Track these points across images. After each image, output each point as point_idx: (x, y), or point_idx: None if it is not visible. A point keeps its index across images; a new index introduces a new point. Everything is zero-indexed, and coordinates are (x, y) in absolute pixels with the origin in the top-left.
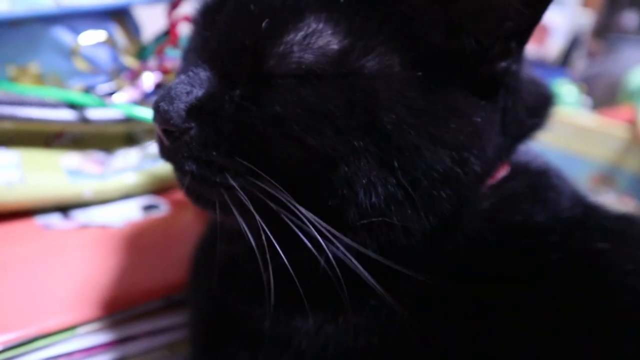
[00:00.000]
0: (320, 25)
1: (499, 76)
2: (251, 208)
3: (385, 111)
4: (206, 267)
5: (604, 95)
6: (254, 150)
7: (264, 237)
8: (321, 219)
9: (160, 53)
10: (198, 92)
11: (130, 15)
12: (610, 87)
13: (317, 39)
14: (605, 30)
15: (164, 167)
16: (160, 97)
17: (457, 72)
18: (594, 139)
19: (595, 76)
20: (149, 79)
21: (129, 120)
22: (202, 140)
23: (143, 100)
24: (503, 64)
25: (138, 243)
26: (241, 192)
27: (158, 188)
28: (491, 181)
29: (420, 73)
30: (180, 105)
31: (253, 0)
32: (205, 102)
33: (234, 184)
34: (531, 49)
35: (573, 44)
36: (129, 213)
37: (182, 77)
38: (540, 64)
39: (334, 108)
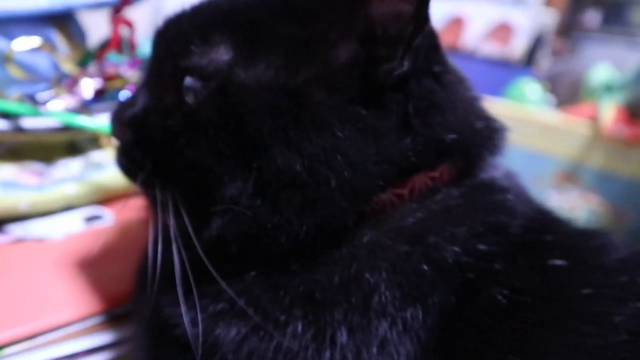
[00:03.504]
0: (221, 40)
1: (386, 81)
2: (158, 202)
3: (249, 118)
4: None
5: (567, 93)
6: (154, 153)
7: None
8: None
9: (100, 58)
10: (136, 109)
11: (75, 21)
12: (573, 85)
13: (215, 52)
14: (569, 29)
15: (109, 176)
16: (113, 113)
17: (330, 85)
18: (558, 136)
19: (558, 74)
20: (88, 86)
21: (68, 128)
22: (132, 143)
23: (82, 107)
24: (390, 67)
25: (78, 255)
26: (146, 187)
27: (103, 198)
28: (406, 192)
29: (294, 87)
30: (123, 119)
31: (174, 27)
32: (138, 117)
33: (141, 178)
34: (495, 49)
35: (537, 43)
36: (69, 225)
37: (131, 97)
38: (505, 63)
39: (209, 118)
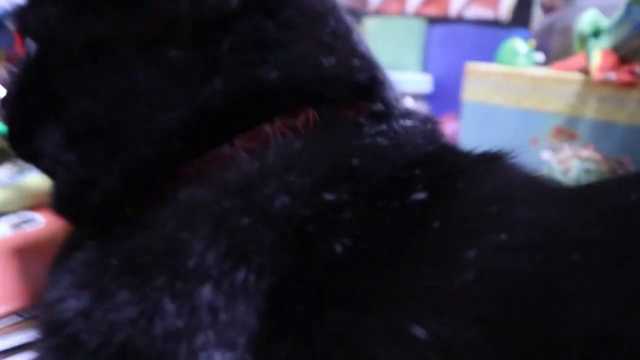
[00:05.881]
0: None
1: (211, 19)
2: None
3: (54, 71)
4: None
5: (560, 47)
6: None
7: None
8: None
9: (10, 61)
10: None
11: (4, 28)
12: (565, 38)
13: (43, 10)
14: None
15: (38, 180)
16: None
17: (148, 34)
18: (549, 92)
19: (550, 29)
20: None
21: None
22: None
23: None
24: (216, 4)
25: (2, 258)
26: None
27: (33, 203)
28: (255, 145)
29: (102, 37)
30: None
31: None
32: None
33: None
34: (483, 11)
35: (523, 1)
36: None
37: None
38: (493, 25)
39: (27, 76)
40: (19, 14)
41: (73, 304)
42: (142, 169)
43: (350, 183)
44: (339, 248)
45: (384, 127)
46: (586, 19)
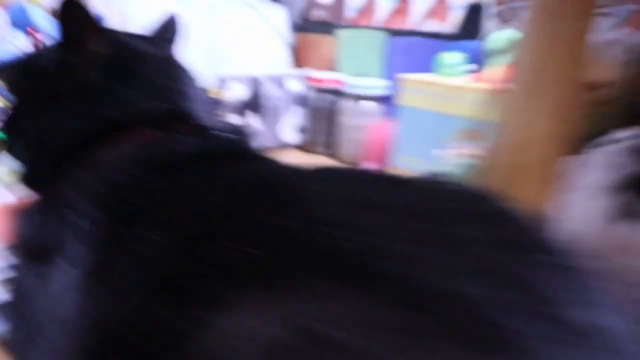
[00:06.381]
0: None
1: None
2: None
3: (20, 112)
4: None
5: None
6: None
7: None
8: None
9: None
10: None
11: None
12: None
13: None
14: None
15: None
16: None
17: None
18: (463, 99)
19: None
20: None
21: None
22: None
23: None
24: (85, 69)
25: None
26: None
27: None
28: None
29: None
30: None
31: None
32: None
33: None
34: (436, 26)
35: (471, 15)
36: (6, 199)
37: None
38: (444, 37)
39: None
40: (6, 76)
41: (30, 226)
42: (56, 160)
43: (155, 167)
44: (138, 199)
45: (190, 137)
46: (496, 37)
